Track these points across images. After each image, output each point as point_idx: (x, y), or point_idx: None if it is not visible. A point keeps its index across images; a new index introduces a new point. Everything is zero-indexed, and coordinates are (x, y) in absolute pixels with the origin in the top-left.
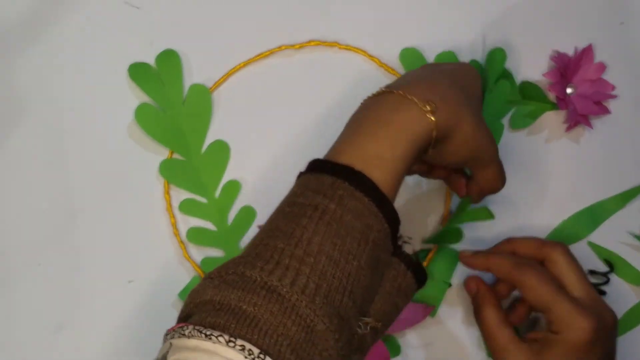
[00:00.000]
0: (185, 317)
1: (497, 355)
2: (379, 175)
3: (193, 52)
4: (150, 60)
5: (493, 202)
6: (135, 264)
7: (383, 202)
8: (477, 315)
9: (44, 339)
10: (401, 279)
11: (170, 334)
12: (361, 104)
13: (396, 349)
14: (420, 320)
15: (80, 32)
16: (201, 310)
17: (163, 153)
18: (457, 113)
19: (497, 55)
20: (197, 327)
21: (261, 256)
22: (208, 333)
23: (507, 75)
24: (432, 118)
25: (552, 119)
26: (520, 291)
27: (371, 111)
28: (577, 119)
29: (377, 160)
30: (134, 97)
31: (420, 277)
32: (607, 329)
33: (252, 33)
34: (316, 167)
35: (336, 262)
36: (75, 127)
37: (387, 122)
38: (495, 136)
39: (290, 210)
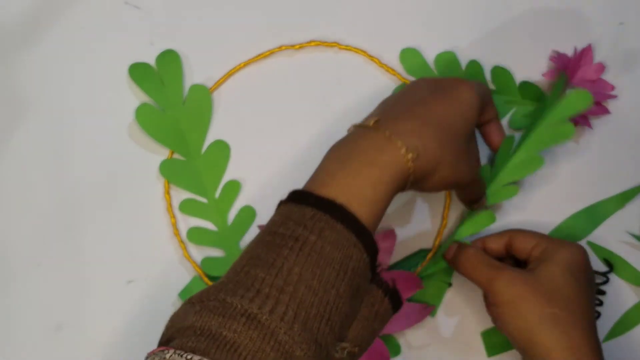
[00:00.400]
0: (166, 341)
1: (490, 284)
2: (361, 212)
3: (193, 52)
4: (151, 60)
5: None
6: (135, 264)
7: (363, 234)
8: (458, 261)
9: (43, 338)
10: (378, 305)
11: (150, 357)
12: (348, 134)
13: (396, 349)
14: (420, 320)
15: (81, 32)
16: (182, 335)
17: (163, 153)
18: (436, 160)
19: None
20: (177, 352)
21: (242, 284)
22: (189, 357)
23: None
24: (411, 164)
25: None
26: (513, 242)
27: (357, 148)
28: (577, 119)
29: (360, 198)
30: (134, 97)
31: (396, 302)
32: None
33: (252, 33)
34: (298, 198)
35: (315, 291)
36: (75, 127)
37: (371, 162)
38: (529, 169)
39: (272, 239)
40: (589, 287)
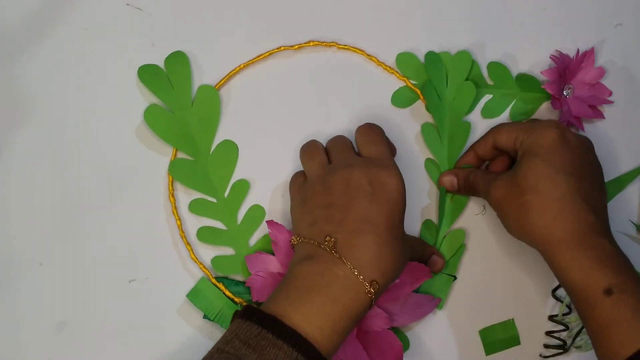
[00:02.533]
0: None
1: (486, 196)
2: (318, 343)
3: (193, 53)
4: (152, 61)
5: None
6: (140, 265)
7: (304, 345)
8: (461, 185)
9: (45, 337)
10: None
11: None
12: (308, 255)
13: (405, 343)
14: (428, 312)
15: (83, 33)
16: None
17: (170, 154)
18: (393, 278)
19: (462, 57)
20: None
21: None
22: None
23: (502, 71)
24: (374, 296)
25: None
26: (496, 143)
27: (320, 281)
28: (570, 120)
29: (318, 332)
30: (135, 98)
31: None
32: (578, 139)
33: (252, 34)
34: (249, 314)
35: None
36: (78, 128)
37: (335, 299)
38: (464, 134)
39: (219, 357)
40: (564, 161)
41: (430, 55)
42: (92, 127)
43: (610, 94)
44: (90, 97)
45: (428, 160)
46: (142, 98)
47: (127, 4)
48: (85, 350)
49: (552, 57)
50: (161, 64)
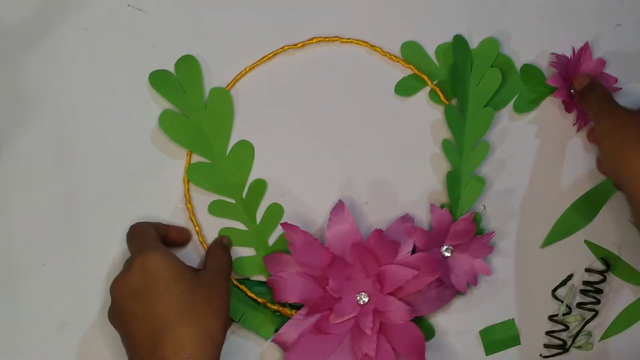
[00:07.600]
0: None
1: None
2: None
3: (193, 54)
4: (152, 62)
5: (497, 194)
6: None
7: None
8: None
9: (47, 337)
10: None
11: None
12: None
13: (430, 332)
14: (450, 299)
15: (84, 34)
16: None
17: (182, 156)
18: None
19: (489, 44)
20: None
21: None
22: None
23: (506, 62)
24: None
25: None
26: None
27: None
28: (587, 118)
29: None
30: (144, 98)
31: None
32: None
33: (254, 35)
34: None
35: None
36: (78, 128)
37: None
38: (486, 121)
39: None
40: None
41: (458, 38)
42: (91, 126)
43: (616, 81)
44: (91, 98)
45: (446, 140)
46: (143, 97)
47: (128, 5)
48: (86, 351)
49: (552, 64)
50: (162, 65)
